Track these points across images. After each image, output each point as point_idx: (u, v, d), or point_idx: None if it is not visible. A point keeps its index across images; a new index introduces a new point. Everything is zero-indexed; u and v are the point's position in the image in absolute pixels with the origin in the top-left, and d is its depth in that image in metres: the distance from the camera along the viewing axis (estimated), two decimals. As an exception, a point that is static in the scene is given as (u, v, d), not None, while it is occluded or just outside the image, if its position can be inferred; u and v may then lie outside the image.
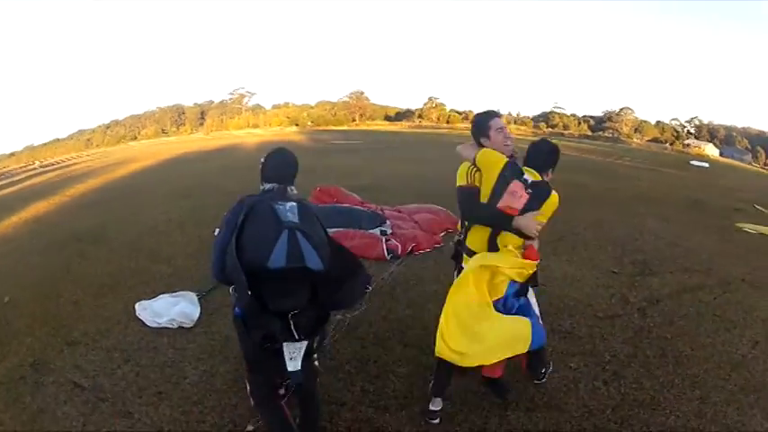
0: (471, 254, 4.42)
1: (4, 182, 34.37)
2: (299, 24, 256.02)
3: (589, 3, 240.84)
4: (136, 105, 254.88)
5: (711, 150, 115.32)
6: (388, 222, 10.69)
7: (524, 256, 4.34)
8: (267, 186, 3.86)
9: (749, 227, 15.13)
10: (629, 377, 5.59)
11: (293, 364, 3.48)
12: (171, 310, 6.55)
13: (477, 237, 4.43)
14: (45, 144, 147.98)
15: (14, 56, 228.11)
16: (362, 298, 3.93)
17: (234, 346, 5.69)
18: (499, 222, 4.27)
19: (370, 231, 10.05)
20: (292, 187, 3.88)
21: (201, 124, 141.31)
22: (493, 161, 4.33)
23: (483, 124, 4.54)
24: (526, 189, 4.29)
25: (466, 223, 4.51)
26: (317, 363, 4.12)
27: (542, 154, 4.67)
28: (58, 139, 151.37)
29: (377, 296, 7.37)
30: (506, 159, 4.35)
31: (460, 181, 4.43)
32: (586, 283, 8.27)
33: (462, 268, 4.52)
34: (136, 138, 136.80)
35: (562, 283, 8.21)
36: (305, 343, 3.53)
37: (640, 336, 6.58)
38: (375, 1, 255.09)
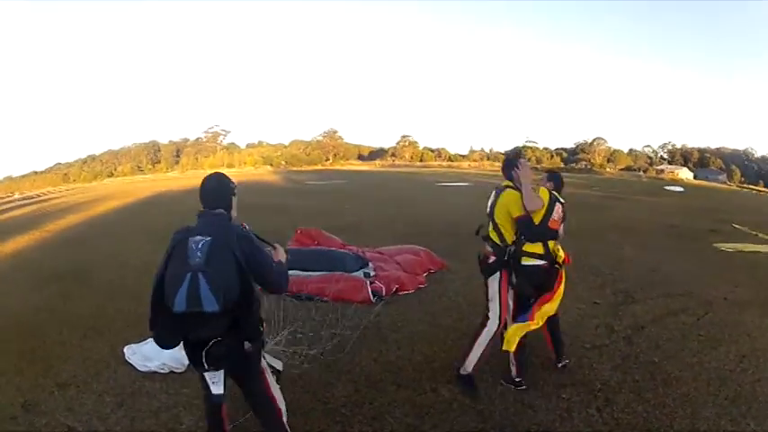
0: (531, 256, 5.79)
1: None
2: (274, 63, 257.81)
3: (555, 40, 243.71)
4: (112, 140, 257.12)
5: (686, 174, 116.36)
6: (370, 264, 10.75)
7: (565, 260, 6.04)
8: (201, 211, 3.98)
9: (727, 246, 15.39)
10: (621, 402, 5.66)
11: (215, 388, 3.84)
12: (161, 354, 6.33)
13: (536, 245, 5.78)
14: (24, 176, 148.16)
15: None
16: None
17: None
18: (552, 236, 5.87)
19: (354, 274, 10.05)
20: (221, 210, 3.94)
21: (177, 162, 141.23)
22: (544, 195, 5.88)
23: (514, 161, 6.00)
24: (562, 208, 6.11)
25: (522, 237, 5.74)
26: (267, 363, 4.21)
27: (560, 181, 6.58)
28: (36, 172, 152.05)
29: (366, 339, 7.43)
30: (549, 192, 6.00)
31: (517, 212, 5.66)
32: (571, 315, 8.32)
33: (506, 273, 5.86)
34: (112, 174, 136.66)
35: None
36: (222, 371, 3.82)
37: (628, 362, 6.69)
38: (348, 41, 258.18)
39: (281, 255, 4.34)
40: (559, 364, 6.46)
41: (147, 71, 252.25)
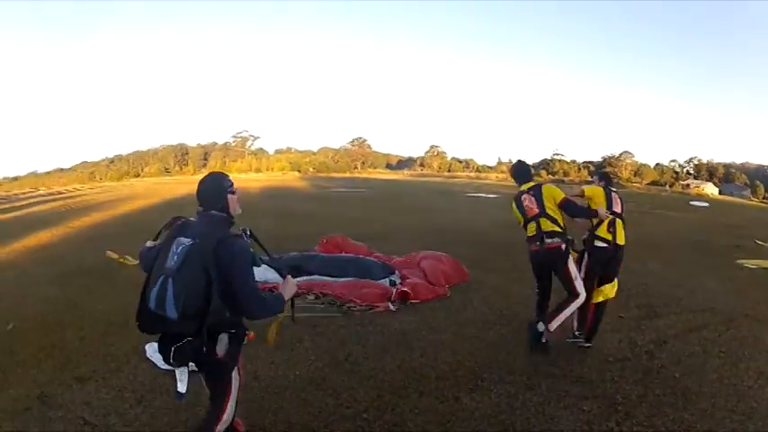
0: (602, 240, 7.49)
1: (6, 206, 34.26)
2: (305, 70, 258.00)
3: (584, 51, 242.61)
4: (140, 142, 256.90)
5: (711, 189, 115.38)
6: (396, 273, 10.79)
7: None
8: (198, 210, 4.07)
9: (750, 262, 15.36)
10: (641, 416, 5.69)
11: (180, 386, 3.95)
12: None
13: (605, 232, 7.47)
14: (48, 172, 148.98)
15: (24, 82, 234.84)
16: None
17: (250, 390, 5.82)
18: (618, 217, 7.70)
19: (380, 281, 10.12)
20: (214, 212, 4.01)
21: (204, 165, 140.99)
22: (596, 192, 7.70)
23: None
24: (619, 197, 7.94)
25: (594, 222, 7.53)
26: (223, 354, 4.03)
27: (609, 178, 8.11)
28: (62, 169, 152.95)
29: (390, 345, 7.50)
30: (603, 187, 7.80)
31: (560, 196, 7.29)
32: (595, 329, 8.40)
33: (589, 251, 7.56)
34: (138, 174, 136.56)
35: (570, 328, 8.12)
36: (187, 368, 3.96)
37: (649, 376, 6.72)
38: (378, 50, 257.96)
39: (287, 287, 4.27)
40: (584, 344, 7.61)
41: (178, 74, 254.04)
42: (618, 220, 7.58)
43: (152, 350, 6.84)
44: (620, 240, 7.51)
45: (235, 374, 4.16)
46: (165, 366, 6.18)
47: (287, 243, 14.64)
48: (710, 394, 6.30)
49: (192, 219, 4.04)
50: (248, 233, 4.12)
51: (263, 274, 10.18)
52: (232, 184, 4.14)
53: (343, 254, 12.16)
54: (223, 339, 3.93)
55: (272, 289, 9.75)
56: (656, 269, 13.81)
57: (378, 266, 10.84)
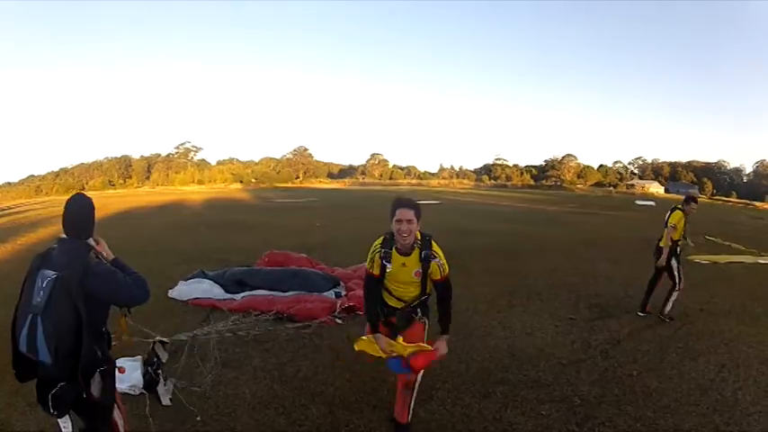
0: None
1: None
2: (246, 80, 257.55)
3: (525, 57, 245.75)
4: (84, 154, 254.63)
5: (656, 188, 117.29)
6: (341, 284, 10.67)
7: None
8: (62, 237, 3.81)
9: (701, 258, 15.46)
10: (601, 417, 5.60)
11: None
12: (131, 375, 6.28)
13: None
14: None
15: None
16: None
17: (201, 411, 5.74)
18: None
19: (325, 294, 9.97)
20: (76, 239, 3.78)
21: (148, 177, 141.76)
22: (679, 218, 9.80)
23: (692, 199, 10.07)
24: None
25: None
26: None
27: (695, 200, 10.15)
28: (10, 183, 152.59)
29: (338, 359, 7.28)
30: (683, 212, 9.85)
31: (672, 222, 9.88)
32: (546, 332, 8.34)
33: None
34: (84, 188, 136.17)
35: (521, 333, 8.27)
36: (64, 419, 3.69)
37: (606, 377, 6.63)
38: (318, 59, 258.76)
39: (103, 247, 3.94)
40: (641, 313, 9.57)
41: (120, 84, 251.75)
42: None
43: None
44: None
45: (117, 414, 3.94)
46: (129, 391, 6.03)
47: (231, 256, 14.66)
48: (671, 390, 6.27)
49: (54, 247, 3.77)
50: (100, 243, 3.95)
51: (210, 290, 10.03)
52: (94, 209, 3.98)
53: (287, 267, 11.93)
54: (96, 379, 3.68)
55: (214, 305, 9.52)
56: (605, 269, 13.91)
57: (322, 278, 10.69)
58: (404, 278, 5.07)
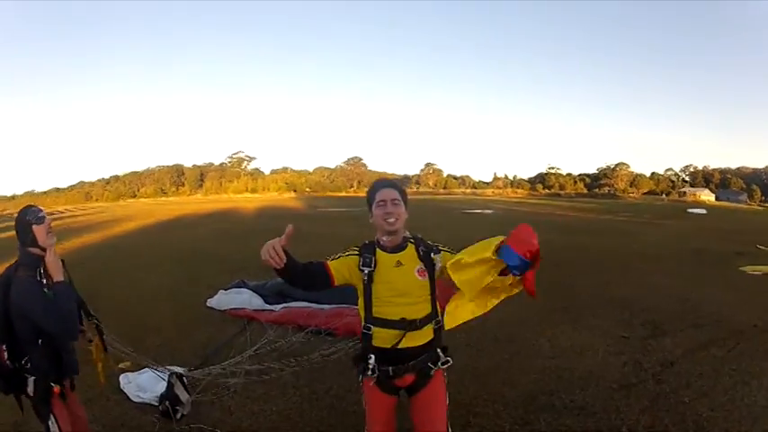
0: None
1: (4, 224, 34.63)
2: (301, 89, 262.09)
3: (575, 65, 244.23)
4: (136, 162, 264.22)
5: (707, 196, 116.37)
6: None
7: None
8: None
9: (753, 269, 15.09)
10: (650, 450, 5.25)
11: None
12: (156, 386, 6.18)
13: None
14: (45, 192, 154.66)
15: (24, 100, 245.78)
16: None
17: (222, 426, 5.69)
18: None
19: None
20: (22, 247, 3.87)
21: (200, 186, 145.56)
22: None
23: None
24: None
25: None
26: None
27: None
28: (59, 189, 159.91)
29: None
30: None
31: None
32: (597, 352, 8.00)
33: None
34: (135, 195, 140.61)
35: (570, 353, 7.95)
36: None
37: (657, 404, 6.27)
38: (373, 68, 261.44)
39: (52, 266, 3.83)
40: None
41: (174, 93, 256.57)
42: None
43: (125, 381, 6.61)
44: None
45: (51, 423, 3.99)
46: (138, 399, 6.23)
47: None
48: (722, 418, 5.91)
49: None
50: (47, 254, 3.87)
51: (249, 300, 9.97)
52: (36, 214, 3.92)
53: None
54: (30, 383, 3.89)
55: (252, 316, 9.33)
56: (658, 282, 13.40)
57: None
58: (405, 283, 3.65)
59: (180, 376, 6.11)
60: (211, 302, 10.55)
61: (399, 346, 3.58)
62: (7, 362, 3.83)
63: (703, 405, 6.20)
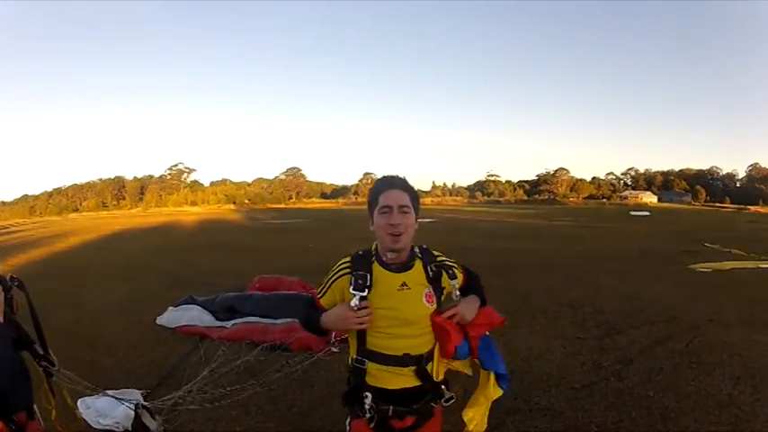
0: None
1: None
2: (239, 100, 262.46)
3: (512, 71, 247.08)
4: (78, 174, 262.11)
5: (649, 198, 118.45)
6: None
7: None
8: None
9: (703, 266, 15.39)
10: (621, 444, 5.27)
11: None
12: (115, 410, 5.84)
13: None
14: None
15: None
16: None
17: None
18: None
19: None
20: None
21: (141, 199, 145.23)
22: None
23: None
24: None
25: None
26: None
27: None
28: (5, 203, 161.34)
29: (337, 391, 6.77)
30: None
31: None
32: (554, 354, 7.99)
33: None
34: (77, 209, 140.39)
35: (528, 356, 7.92)
36: None
37: (622, 400, 6.28)
38: (308, 80, 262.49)
39: None
40: None
41: (115, 104, 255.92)
42: None
43: (84, 407, 6.17)
44: None
45: None
46: (99, 426, 5.86)
47: (224, 278, 14.57)
48: (690, 408, 5.97)
49: None
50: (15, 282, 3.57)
51: (200, 317, 9.83)
52: None
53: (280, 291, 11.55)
54: None
55: (204, 333, 9.16)
56: (608, 283, 13.54)
57: None
58: (411, 311, 2.96)
59: (145, 406, 5.93)
60: (161, 320, 10.31)
61: (390, 387, 3.01)
62: None
63: (668, 397, 6.25)
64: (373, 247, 3.15)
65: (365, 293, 2.90)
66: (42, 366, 3.83)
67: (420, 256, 3.12)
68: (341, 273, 3.07)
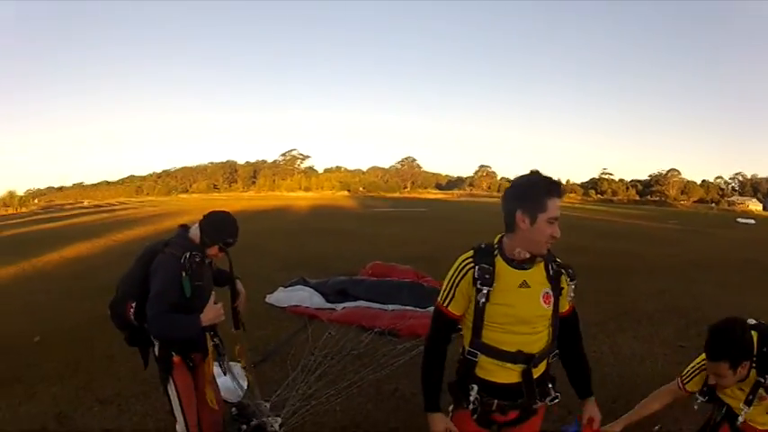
0: None
1: (47, 216, 34.82)
2: (356, 89, 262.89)
3: (627, 71, 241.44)
4: (187, 158, 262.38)
5: (755, 205, 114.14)
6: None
7: None
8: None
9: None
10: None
11: None
12: (216, 380, 6.04)
13: None
14: (95, 184, 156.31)
15: (74, 94, 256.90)
16: None
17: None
18: None
19: (429, 309, 9.49)
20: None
21: (253, 183, 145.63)
22: None
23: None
24: None
25: None
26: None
27: None
28: (108, 182, 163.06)
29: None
30: None
31: None
32: (656, 360, 8.00)
33: None
34: (187, 190, 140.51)
35: (631, 361, 7.97)
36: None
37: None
38: (427, 72, 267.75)
39: (209, 312, 4.27)
40: None
41: (227, 90, 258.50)
42: None
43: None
44: None
45: (170, 387, 4.16)
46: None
47: (336, 263, 14.84)
48: None
49: None
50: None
51: (310, 298, 10.04)
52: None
53: (392, 279, 11.68)
54: (156, 346, 4.17)
55: (313, 314, 9.35)
56: (712, 292, 13.22)
57: (428, 292, 10.06)
58: (528, 310, 2.98)
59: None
60: (271, 299, 10.59)
61: (499, 381, 3.06)
62: (132, 318, 4.05)
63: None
64: (496, 241, 3.16)
65: (491, 286, 2.93)
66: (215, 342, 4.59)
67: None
68: (466, 269, 3.06)
